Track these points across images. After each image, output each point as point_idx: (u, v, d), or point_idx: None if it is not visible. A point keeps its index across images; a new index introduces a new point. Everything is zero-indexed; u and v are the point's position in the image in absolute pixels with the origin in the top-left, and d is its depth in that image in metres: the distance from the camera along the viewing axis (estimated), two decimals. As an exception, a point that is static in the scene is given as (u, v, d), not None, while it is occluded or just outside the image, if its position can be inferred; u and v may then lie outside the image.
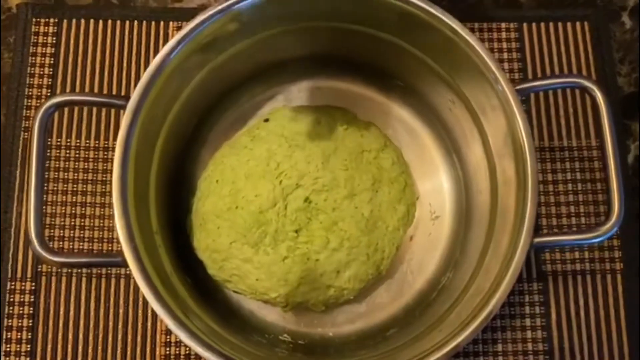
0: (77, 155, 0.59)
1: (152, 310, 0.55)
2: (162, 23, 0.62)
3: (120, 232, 0.41)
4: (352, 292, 0.52)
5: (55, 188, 0.58)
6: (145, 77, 0.44)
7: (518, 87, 0.45)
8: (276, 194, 0.50)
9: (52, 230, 0.57)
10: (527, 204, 0.42)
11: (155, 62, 0.44)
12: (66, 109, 0.59)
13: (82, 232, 0.57)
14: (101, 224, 0.57)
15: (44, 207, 0.57)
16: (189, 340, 0.40)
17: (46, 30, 0.62)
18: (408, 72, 0.55)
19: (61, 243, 0.56)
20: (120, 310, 0.55)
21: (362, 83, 0.59)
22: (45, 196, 0.57)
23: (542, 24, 0.63)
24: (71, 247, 0.56)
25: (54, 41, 0.61)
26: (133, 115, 0.43)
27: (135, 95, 0.43)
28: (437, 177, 0.57)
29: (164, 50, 0.44)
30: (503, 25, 0.63)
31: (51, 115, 0.42)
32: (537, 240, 0.43)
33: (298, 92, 0.59)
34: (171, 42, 0.44)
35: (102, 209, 0.57)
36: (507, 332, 0.55)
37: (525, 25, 0.63)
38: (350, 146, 0.53)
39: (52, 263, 0.41)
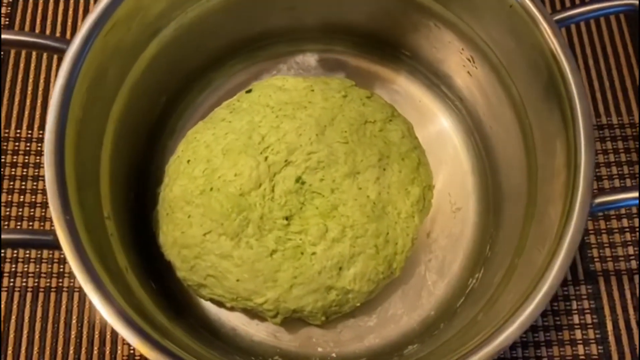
0: (27, 148, 0.51)
1: (111, 332, 0.47)
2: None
3: (52, 199, 0.32)
4: (359, 296, 0.44)
5: (11, 186, 0.50)
6: (95, 12, 0.36)
7: (557, 17, 0.37)
8: (261, 172, 0.43)
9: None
10: (580, 153, 0.34)
11: (102, 1, 0.36)
12: (17, 96, 0.52)
13: (29, 225, 0.49)
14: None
15: None
16: (136, 340, 0.30)
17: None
18: (414, 35, 0.49)
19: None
20: (72, 333, 0.47)
21: (362, 55, 0.53)
22: None
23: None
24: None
25: (9, 11, 0.55)
26: (76, 59, 0.35)
27: (80, 33, 0.36)
28: (455, 162, 0.51)
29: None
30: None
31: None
32: (597, 201, 0.33)
33: (287, 70, 0.53)
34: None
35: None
36: (553, 348, 0.48)
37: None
38: (351, 116, 0.45)
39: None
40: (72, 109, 0.36)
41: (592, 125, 0.35)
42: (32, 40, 0.35)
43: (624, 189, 0.46)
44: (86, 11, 0.55)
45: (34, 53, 0.52)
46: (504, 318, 0.33)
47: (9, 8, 0.54)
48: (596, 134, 0.52)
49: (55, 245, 0.32)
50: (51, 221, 0.47)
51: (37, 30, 0.53)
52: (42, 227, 0.49)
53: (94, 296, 0.32)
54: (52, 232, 0.33)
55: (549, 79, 0.37)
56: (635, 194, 0.34)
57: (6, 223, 0.49)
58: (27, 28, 0.54)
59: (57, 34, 0.53)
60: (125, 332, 0.33)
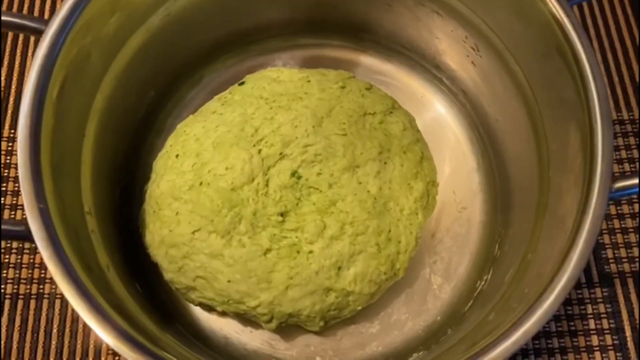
0: (9, 148, 0.49)
1: (95, 342, 0.45)
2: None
3: (24, 185, 0.30)
4: (359, 298, 0.41)
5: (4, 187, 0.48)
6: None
7: (568, -6, 0.35)
8: (254, 166, 0.41)
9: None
10: (597, 134, 0.32)
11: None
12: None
13: None
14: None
15: None
16: (115, 341, 0.27)
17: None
18: (416, 26, 0.48)
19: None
20: (53, 342, 0.44)
21: (359, 49, 0.52)
22: None
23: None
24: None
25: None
26: (54, 40, 0.33)
27: (60, 13, 0.33)
28: (459, 158, 0.49)
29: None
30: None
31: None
32: (617, 185, 0.31)
33: (282, 65, 0.51)
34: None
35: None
36: (568, 355, 0.45)
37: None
38: (349, 107, 0.43)
39: None
40: (50, 92, 0.34)
41: (608, 103, 0.33)
42: (9, 19, 0.33)
43: None
44: None
45: (9, 35, 0.50)
46: (518, 314, 0.30)
47: None
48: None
49: (27, 237, 0.29)
50: (23, 210, 0.45)
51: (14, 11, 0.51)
52: (12, 217, 0.46)
53: (67, 288, 0.29)
54: (24, 222, 0.30)
55: (561, 60, 0.35)
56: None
57: None
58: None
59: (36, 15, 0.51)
60: (101, 330, 0.30)
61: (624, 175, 0.32)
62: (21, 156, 0.31)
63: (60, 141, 0.34)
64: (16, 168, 0.46)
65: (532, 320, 0.29)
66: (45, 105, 0.33)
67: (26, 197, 0.30)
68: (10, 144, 0.48)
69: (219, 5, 0.45)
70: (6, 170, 0.48)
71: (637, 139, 0.49)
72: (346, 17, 0.48)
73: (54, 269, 0.29)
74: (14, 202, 0.47)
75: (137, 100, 0.45)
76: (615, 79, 0.51)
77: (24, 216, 0.30)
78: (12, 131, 0.49)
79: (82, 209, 0.36)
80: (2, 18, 0.32)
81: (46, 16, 0.51)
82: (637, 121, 0.50)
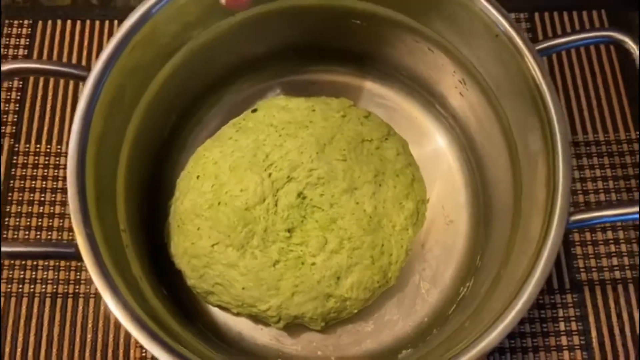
0: (47, 161, 0.54)
1: (125, 336, 0.50)
2: (144, 23, 0.58)
3: (74, 215, 0.35)
4: (356, 303, 0.46)
5: (20, 198, 0.53)
6: (113, 42, 0.39)
7: (539, 47, 0.39)
8: (265, 188, 0.45)
9: (16, 235, 0.52)
10: (558, 171, 0.36)
11: (126, 25, 0.39)
12: (37, 113, 0.55)
13: (48, 234, 0.52)
14: (71, 231, 0.51)
15: (7, 217, 0.52)
16: (156, 348, 0.34)
17: (19, 32, 0.58)
18: (412, 57, 0.51)
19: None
20: (88, 336, 0.49)
21: (362, 75, 0.55)
22: (8, 207, 0.53)
23: (555, 14, 0.59)
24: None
25: (27, 43, 0.57)
26: (95, 86, 0.38)
27: (99, 61, 0.38)
28: (449, 176, 0.53)
29: (137, 13, 0.39)
30: (513, 15, 0.59)
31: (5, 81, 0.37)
32: (573, 218, 0.36)
33: (290, 88, 0.55)
34: (142, 7, 0.39)
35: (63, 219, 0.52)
36: (540, 354, 0.50)
37: (537, 15, 0.59)
38: (349, 135, 0.47)
39: (-7, 254, 0.34)
40: (92, 129, 0.38)
41: (570, 147, 0.37)
42: (55, 68, 0.38)
43: (600, 207, 0.47)
44: (92, 40, 0.57)
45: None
46: (486, 325, 0.35)
47: (28, 39, 0.57)
48: (583, 149, 0.55)
49: (76, 257, 0.35)
50: (68, 231, 0.51)
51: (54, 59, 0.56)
52: (59, 237, 0.51)
53: (111, 303, 0.34)
54: (74, 245, 0.35)
55: (532, 103, 0.39)
56: (609, 212, 0.36)
57: (27, 233, 0.51)
58: (45, 57, 0.56)
59: (74, 62, 0.56)
60: (139, 336, 0.35)
61: (579, 210, 0.36)
62: (70, 189, 0.36)
63: (100, 172, 0.39)
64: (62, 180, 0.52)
65: (493, 334, 0.33)
66: (88, 143, 0.38)
67: (76, 226, 0.35)
68: (57, 159, 0.54)
69: (234, 39, 0.48)
70: (54, 183, 0.53)
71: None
72: (348, 47, 0.52)
73: (99, 284, 0.34)
74: (62, 211, 0.52)
75: (162, 123, 0.49)
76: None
77: (70, 237, 0.36)
78: (59, 147, 0.54)
79: (118, 227, 0.41)
80: (50, 67, 0.38)
81: (83, 62, 0.56)
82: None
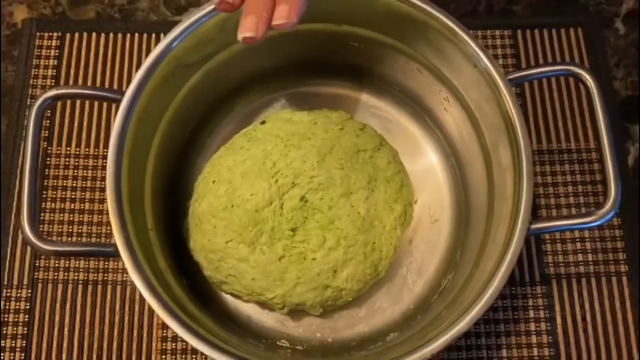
0: (76, 163, 0.59)
1: (148, 318, 0.55)
2: (162, 35, 0.63)
3: (113, 221, 0.41)
4: (350, 293, 0.51)
5: (54, 195, 0.58)
6: (141, 71, 0.45)
7: (510, 77, 0.45)
8: (272, 192, 0.50)
9: (52, 230, 0.57)
10: (522, 187, 0.42)
11: (151, 56, 0.45)
12: (67, 118, 0.60)
13: (81, 229, 0.57)
14: (100, 226, 0.57)
15: (42, 213, 0.58)
16: (182, 330, 0.40)
17: (49, 44, 0.63)
18: (404, 75, 0.55)
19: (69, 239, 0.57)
20: (116, 318, 0.55)
21: (359, 88, 0.59)
22: (44, 203, 0.58)
23: (536, 31, 0.64)
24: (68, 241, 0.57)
25: (57, 54, 0.63)
26: (128, 109, 0.44)
27: (130, 88, 0.44)
28: (435, 179, 0.57)
29: (160, 45, 0.45)
30: (497, 32, 0.64)
31: (47, 107, 0.43)
32: (534, 226, 0.42)
33: (295, 98, 0.60)
34: (168, 38, 0.45)
35: (100, 215, 0.58)
36: (511, 337, 0.55)
37: (519, 32, 0.64)
38: (346, 146, 0.53)
39: (44, 252, 0.41)
40: (126, 144, 0.44)
41: (533, 166, 0.43)
42: (94, 93, 0.44)
43: (556, 217, 0.54)
44: (115, 51, 0.62)
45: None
46: (457, 315, 0.40)
47: (57, 50, 0.63)
48: (557, 157, 0.61)
49: (115, 255, 0.41)
50: (96, 225, 0.57)
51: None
52: (89, 230, 0.57)
53: (145, 292, 0.40)
54: (113, 245, 0.41)
55: (504, 127, 0.44)
56: (563, 222, 0.43)
57: (60, 227, 0.57)
58: (73, 66, 0.62)
59: (99, 71, 0.61)
60: (168, 319, 0.40)
61: (538, 218, 0.42)
62: (109, 197, 0.41)
63: (131, 180, 0.44)
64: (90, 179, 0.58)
65: (462, 323, 0.39)
66: (123, 156, 0.43)
67: (115, 229, 0.40)
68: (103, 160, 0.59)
69: (245, 57, 0.53)
70: (102, 182, 0.58)
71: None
72: (347, 64, 0.57)
73: (135, 277, 0.40)
74: (90, 219, 0.58)
75: (181, 132, 0.54)
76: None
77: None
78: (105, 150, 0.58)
79: (147, 227, 0.46)
80: (89, 92, 0.44)
81: (107, 72, 0.61)
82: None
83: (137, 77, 0.45)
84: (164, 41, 0.45)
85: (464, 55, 0.46)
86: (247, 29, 0.38)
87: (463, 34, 0.45)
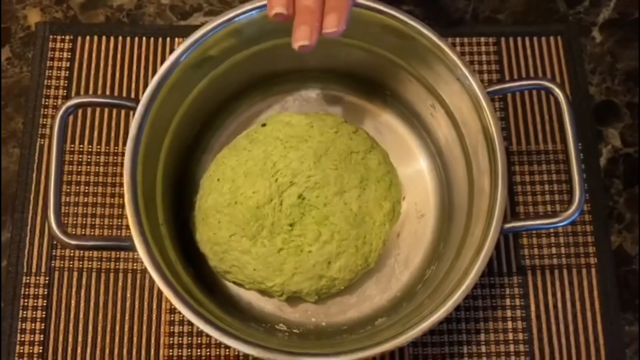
0: (89, 159, 0.64)
1: (157, 303, 0.59)
2: (168, 39, 0.67)
3: (130, 218, 0.45)
4: (342, 282, 0.55)
5: (68, 190, 0.63)
6: (154, 81, 0.49)
7: (489, 90, 0.49)
8: (272, 190, 0.54)
9: (68, 222, 0.61)
10: (497, 190, 0.47)
11: (163, 67, 0.49)
12: (80, 118, 0.64)
13: (94, 221, 0.61)
14: (111, 218, 0.62)
15: (67, 206, 0.62)
16: (191, 315, 0.44)
17: (62, 47, 0.67)
18: (395, 82, 0.59)
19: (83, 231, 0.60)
20: (127, 303, 0.58)
21: (353, 92, 0.63)
22: (65, 197, 0.62)
23: (519, 39, 0.68)
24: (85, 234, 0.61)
25: (69, 56, 0.67)
26: (143, 115, 0.48)
27: (145, 97, 0.48)
28: (422, 178, 0.61)
29: (171, 57, 0.49)
30: (482, 39, 0.68)
31: (70, 115, 0.47)
32: (507, 225, 0.47)
33: (293, 101, 0.64)
34: (177, 51, 0.50)
35: (116, 208, 0.62)
36: (489, 323, 0.58)
37: (503, 39, 0.68)
38: (340, 148, 0.56)
39: (69, 246, 0.45)
40: (140, 147, 0.48)
41: (508, 171, 0.47)
42: (112, 101, 0.48)
43: (528, 217, 0.59)
44: (124, 54, 0.66)
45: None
46: (437, 303, 0.45)
47: (69, 53, 0.66)
48: (535, 158, 0.65)
49: (132, 249, 0.45)
50: (109, 218, 0.61)
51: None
52: (102, 222, 0.61)
53: (159, 281, 0.44)
54: (130, 239, 0.45)
55: (483, 134, 0.49)
56: (534, 222, 0.47)
57: (74, 219, 0.61)
58: (84, 68, 0.65)
59: (109, 73, 0.65)
60: (179, 305, 0.44)
61: (513, 217, 0.47)
62: (127, 195, 0.45)
63: (145, 179, 0.48)
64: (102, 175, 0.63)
65: (441, 311, 0.44)
66: (138, 157, 0.48)
67: (132, 225, 0.44)
68: (115, 158, 0.63)
69: (247, 64, 0.57)
70: (113, 178, 0.62)
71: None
72: (342, 69, 0.61)
73: (150, 268, 0.44)
74: (102, 212, 0.62)
75: (188, 132, 0.58)
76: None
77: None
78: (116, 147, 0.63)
79: (158, 222, 0.49)
80: (107, 100, 0.48)
81: (117, 74, 0.65)
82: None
83: (150, 86, 0.49)
84: (175, 53, 0.49)
85: (449, 69, 0.51)
86: (302, 38, 0.41)
87: (448, 50, 0.49)
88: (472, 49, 0.68)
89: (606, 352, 0.58)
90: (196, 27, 0.65)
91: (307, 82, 0.62)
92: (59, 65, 0.66)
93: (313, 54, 0.58)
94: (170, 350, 0.58)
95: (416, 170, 0.60)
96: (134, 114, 0.48)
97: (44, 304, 0.58)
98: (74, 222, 0.62)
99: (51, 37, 0.67)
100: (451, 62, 0.50)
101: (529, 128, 0.65)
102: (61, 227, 0.45)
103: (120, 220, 0.62)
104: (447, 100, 0.53)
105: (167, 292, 0.44)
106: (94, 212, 0.62)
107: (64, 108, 0.46)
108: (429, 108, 0.57)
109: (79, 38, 0.67)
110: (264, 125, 0.59)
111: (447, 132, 0.56)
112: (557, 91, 0.47)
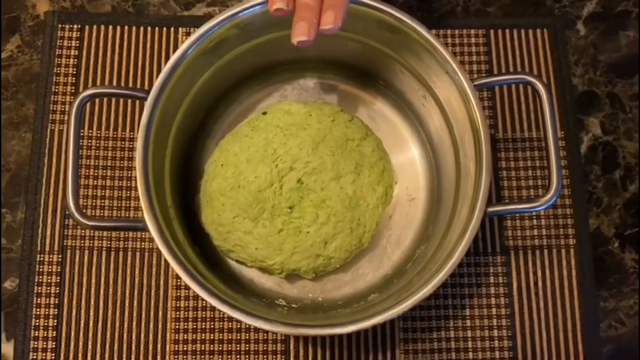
0: (98, 144, 0.67)
1: (164, 279, 0.63)
2: (172, 29, 0.70)
3: (143, 200, 0.49)
4: (338, 261, 0.58)
5: (86, 173, 0.66)
6: (162, 74, 0.52)
7: (476, 83, 0.53)
8: (273, 175, 0.57)
9: (84, 204, 0.65)
10: (482, 175, 0.50)
11: (171, 61, 0.52)
12: (89, 106, 0.67)
13: (103, 203, 0.65)
14: (120, 200, 0.65)
15: (85, 188, 0.65)
16: (200, 289, 0.48)
17: (70, 35, 0.70)
18: (388, 73, 0.61)
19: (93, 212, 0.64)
20: (136, 280, 0.62)
21: (349, 82, 0.65)
22: (82, 180, 0.65)
23: (507, 31, 0.71)
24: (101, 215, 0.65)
25: (77, 45, 0.69)
26: (153, 105, 0.51)
27: (154, 89, 0.52)
28: (413, 164, 0.64)
29: (178, 52, 0.52)
30: (472, 32, 0.71)
31: (85, 104, 0.50)
32: (490, 209, 0.51)
33: (292, 90, 0.67)
34: (185, 45, 0.53)
35: (125, 191, 0.66)
36: (474, 299, 0.63)
37: (492, 32, 0.71)
38: (337, 135, 0.59)
39: (87, 226, 0.49)
40: (151, 135, 0.51)
41: (492, 160, 0.51)
42: (123, 92, 0.51)
43: (511, 202, 0.62)
44: (130, 43, 0.69)
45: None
46: (425, 280, 0.48)
47: (77, 41, 0.69)
48: (519, 144, 0.69)
49: (144, 229, 0.49)
50: (118, 199, 0.64)
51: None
52: (111, 203, 0.65)
53: (170, 259, 0.47)
54: (142, 220, 0.49)
55: (469, 124, 0.52)
56: (516, 206, 0.51)
57: (85, 200, 0.65)
58: (92, 56, 0.68)
59: (116, 61, 0.68)
60: (189, 281, 0.47)
61: (497, 202, 0.50)
62: (139, 180, 0.48)
63: (155, 164, 0.51)
64: (111, 159, 0.66)
65: (427, 288, 0.47)
66: (149, 144, 0.51)
67: (144, 207, 0.47)
68: (123, 143, 0.66)
69: (250, 54, 0.60)
70: (122, 161, 0.66)
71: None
72: (339, 60, 0.64)
73: (162, 247, 0.47)
74: (111, 194, 0.66)
75: (193, 120, 0.61)
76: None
77: (135, 215, 0.50)
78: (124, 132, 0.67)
79: (167, 204, 0.52)
80: (119, 91, 0.51)
81: (123, 62, 0.68)
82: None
83: (160, 78, 0.52)
84: (183, 46, 0.52)
85: (439, 64, 0.54)
86: (301, 33, 0.44)
87: (439, 46, 0.53)
88: (462, 40, 0.71)
89: (582, 326, 0.62)
90: (199, 18, 0.70)
91: (306, 72, 0.65)
92: (68, 53, 0.69)
93: (311, 46, 0.63)
94: (177, 324, 0.62)
95: (408, 156, 0.63)
96: (143, 104, 0.51)
97: (57, 281, 0.62)
98: (84, 203, 0.65)
99: (60, 25, 0.70)
100: (441, 57, 0.53)
101: (514, 117, 0.69)
102: (79, 210, 0.49)
103: (128, 202, 0.65)
104: (437, 91, 0.56)
105: (177, 269, 0.48)
106: (103, 194, 0.66)
107: (80, 98, 0.50)
108: (420, 98, 0.60)
109: (87, 27, 0.70)
110: (264, 113, 0.62)
111: (436, 121, 0.59)
112: (539, 86, 0.51)
